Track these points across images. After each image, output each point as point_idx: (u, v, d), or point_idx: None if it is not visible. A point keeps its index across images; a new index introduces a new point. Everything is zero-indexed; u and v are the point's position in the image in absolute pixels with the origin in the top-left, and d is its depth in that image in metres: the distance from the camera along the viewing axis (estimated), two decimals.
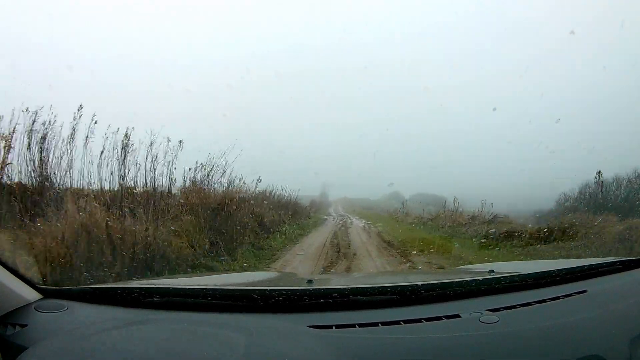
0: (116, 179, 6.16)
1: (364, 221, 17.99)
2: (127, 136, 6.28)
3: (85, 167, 5.93)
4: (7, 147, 5.14)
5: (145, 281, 2.39)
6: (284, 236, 10.62)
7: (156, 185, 6.72)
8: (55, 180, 5.57)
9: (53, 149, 5.65)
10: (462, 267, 4.84)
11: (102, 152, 6.11)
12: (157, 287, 1.51)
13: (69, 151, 5.76)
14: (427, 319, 1.25)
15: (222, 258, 6.45)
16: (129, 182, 6.30)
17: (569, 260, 3.98)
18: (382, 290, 1.40)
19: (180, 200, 6.89)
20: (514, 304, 1.34)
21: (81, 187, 5.85)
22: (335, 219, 19.35)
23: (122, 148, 6.24)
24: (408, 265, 7.17)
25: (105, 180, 6.07)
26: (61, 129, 5.78)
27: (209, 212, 7.09)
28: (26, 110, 5.44)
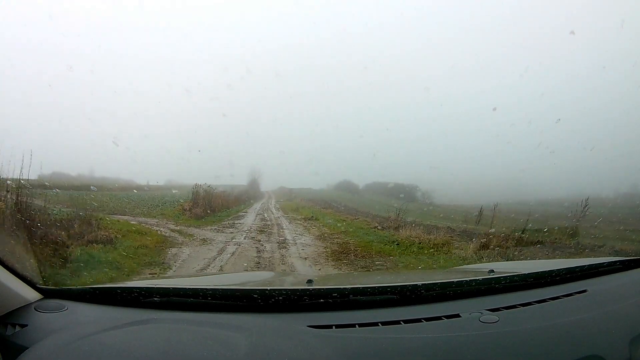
0: None
1: None
2: None
3: None
4: None
5: (145, 281, 2.39)
6: None
7: None
8: None
9: None
10: (462, 267, 4.84)
11: None
12: (157, 287, 1.51)
13: None
14: (427, 319, 1.25)
15: None
16: None
17: (569, 260, 3.98)
18: (382, 290, 1.40)
19: None
20: (514, 304, 1.35)
21: None
22: None
23: None
24: None
25: None
26: None
27: None
28: None
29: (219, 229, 9.61)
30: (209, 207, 11.81)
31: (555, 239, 7.36)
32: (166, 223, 9.85)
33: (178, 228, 9.22)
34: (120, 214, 10.09)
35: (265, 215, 13.07)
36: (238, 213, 13.37)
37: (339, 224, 10.34)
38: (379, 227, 9.68)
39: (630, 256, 1.94)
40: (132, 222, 8.96)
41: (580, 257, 5.60)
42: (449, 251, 7.06)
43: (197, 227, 9.63)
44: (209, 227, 9.78)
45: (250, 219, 11.99)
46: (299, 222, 11.03)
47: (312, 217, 11.85)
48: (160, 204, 12.22)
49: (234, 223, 10.90)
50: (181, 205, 11.72)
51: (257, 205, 16.69)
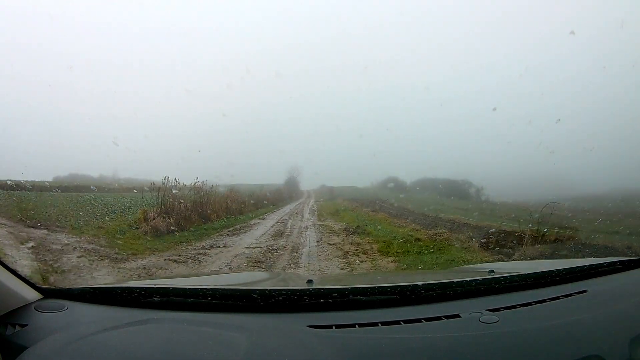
0: None
1: None
2: None
3: None
4: None
5: (145, 281, 2.39)
6: None
7: None
8: None
9: None
10: (462, 267, 4.83)
11: None
12: (157, 287, 1.51)
13: None
14: (427, 319, 1.25)
15: None
16: None
17: (569, 260, 3.98)
18: (382, 290, 1.40)
19: None
20: (514, 304, 1.35)
21: None
22: None
23: None
24: None
25: None
26: None
27: None
28: None
29: (150, 272, 4.97)
30: (197, 214, 8.42)
31: None
32: (74, 248, 5.59)
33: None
34: (40, 227, 6.32)
35: (288, 225, 8.97)
36: (250, 221, 9.56)
37: (411, 249, 5.65)
38: None
39: (630, 256, 1.94)
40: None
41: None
42: None
43: (115, 262, 5.21)
44: (143, 260, 5.35)
45: (255, 235, 7.66)
46: (335, 239, 6.73)
47: (358, 227, 7.81)
48: (119, 210, 9.03)
49: (212, 246, 6.42)
50: (144, 211, 7.74)
51: (288, 208, 12.98)
